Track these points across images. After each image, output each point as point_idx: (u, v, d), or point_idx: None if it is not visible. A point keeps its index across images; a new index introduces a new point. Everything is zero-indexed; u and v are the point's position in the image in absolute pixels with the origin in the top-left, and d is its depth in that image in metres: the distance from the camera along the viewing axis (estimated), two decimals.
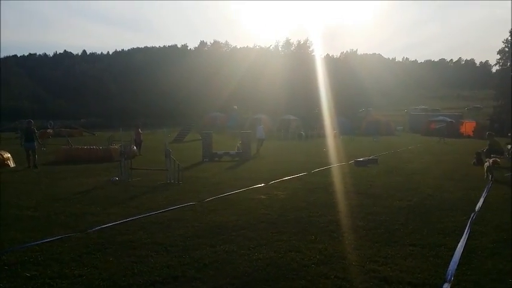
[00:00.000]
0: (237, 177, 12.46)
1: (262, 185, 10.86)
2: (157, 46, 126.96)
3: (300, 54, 76.55)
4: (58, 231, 6.35)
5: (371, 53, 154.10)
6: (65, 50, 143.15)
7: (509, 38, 63.96)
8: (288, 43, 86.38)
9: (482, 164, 14.89)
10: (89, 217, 7.30)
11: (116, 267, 4.83)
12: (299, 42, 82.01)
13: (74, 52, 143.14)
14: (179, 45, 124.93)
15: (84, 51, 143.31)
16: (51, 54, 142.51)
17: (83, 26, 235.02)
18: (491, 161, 12.02)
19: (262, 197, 9.24)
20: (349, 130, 42.78)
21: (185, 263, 4.96)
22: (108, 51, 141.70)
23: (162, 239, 5.94)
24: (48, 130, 38.21)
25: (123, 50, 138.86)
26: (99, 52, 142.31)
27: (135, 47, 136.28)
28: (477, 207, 8.06)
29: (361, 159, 16.09)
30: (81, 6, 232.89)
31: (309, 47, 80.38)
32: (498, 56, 65.44)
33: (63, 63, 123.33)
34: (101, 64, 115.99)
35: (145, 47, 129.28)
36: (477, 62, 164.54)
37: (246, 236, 6.12)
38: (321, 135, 35.10)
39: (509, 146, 14.07)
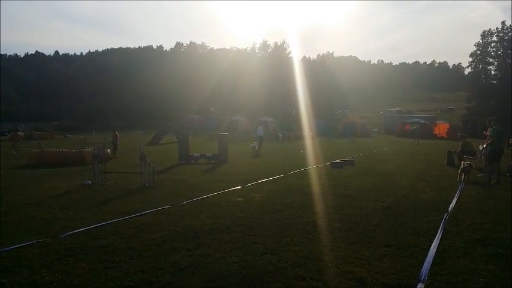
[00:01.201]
0: (213, 179, 12.38)
1: (239, 187, 10.81)
2: (132, 47, 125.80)
3: (277, 56, 76.95)
4: (29, 236, 6.16)
5: (347, 55, 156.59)
6: (36, 51, 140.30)
7: (481, 41, 66.03)
8: (264, 45, 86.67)
9: (453, 164, 15.27)
10: (60, 222, 7.12)
11: (88, 273, 4.72)
12: (276, 44, 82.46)
13: (46, 53, 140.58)
14: (155, 46, 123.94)
15: (56, 51, 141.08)
16: (22, 55, 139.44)
17: (54, 26, 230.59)
18: (466, 163, 12.27)
19: (239, 199, 9.19)
20: (326, 132, 43.09)
21: (160, 268, 4.88)
22: (82, 52, 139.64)
23: (136, 243, 5.83)
24: (19, 133, 37.23)
25: (97, 50, 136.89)
26: (72, 53, 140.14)
27: (109, 47, 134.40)
28: (450, 208, 8.22)
29: (337, 160, 16.22)
30: (53, 6, 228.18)
31: (286, 49, 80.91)
32: (470, 59, 67.44)
33: (34, 64, 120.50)
34: (74, 65, 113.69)
35: (120, 48, 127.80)
36: (450, 65, 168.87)
37: (222, 239, 6.07)
38: (298, 137, 35.26)
39: (481, 147, 14.39)
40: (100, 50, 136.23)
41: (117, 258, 5.20)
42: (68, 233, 6.34)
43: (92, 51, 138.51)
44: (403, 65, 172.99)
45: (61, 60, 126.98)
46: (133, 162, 15.00)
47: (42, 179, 12.69)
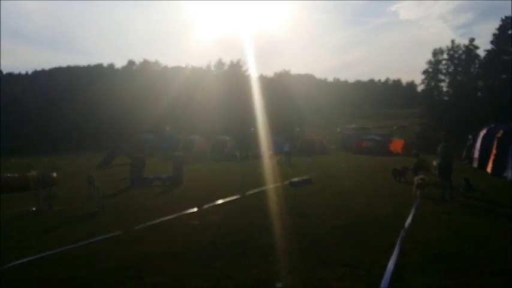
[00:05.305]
0: (168, 202, 11.97)
1: (195, 209, 10.49)
2: (81, 65, 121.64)
3: (233, 74, 77.16)
4: None
5: (304, 74, 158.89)
6: None
7: (432, 59, 69.07)
8: (220, 63, 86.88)
9: (400, 179, 15.83)
10: (1, 252, 6.61)
11: None
12: (232, 62, 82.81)
13: None
14: (105, 64, 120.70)
15: None
16: None
17: None
18: (419, 178, 12.52)
19: (195, 222, 8.91)
20: (284, 150, 43.27)
21: None
22: (27, 71, 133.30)
23: (83, 273, 5.47)
24: None
25: (43, 69, 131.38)
26: (16, 72, 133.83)
27: (57, 66, 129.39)
28: (406, 224, 8.29)
29: (295, 179, 16.18)
30: None
31: (241, 67, 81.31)
32: (423, 76, 70.20)
33: None
34: (18, 85, 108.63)
35: (68, 66, 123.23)
36: (404, 82, 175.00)
37: (177, 265, 5.79)
38: (257, 156, 35.20)
39: (434, 163, 14.81)
40: (47, 68, 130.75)
41: None
42: (9, 264, 5.93)
43: (38, 69, 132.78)
44: (358, 82, 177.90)
45: (5, 80, 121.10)
46: (82, 186, 14.28)
47: None
